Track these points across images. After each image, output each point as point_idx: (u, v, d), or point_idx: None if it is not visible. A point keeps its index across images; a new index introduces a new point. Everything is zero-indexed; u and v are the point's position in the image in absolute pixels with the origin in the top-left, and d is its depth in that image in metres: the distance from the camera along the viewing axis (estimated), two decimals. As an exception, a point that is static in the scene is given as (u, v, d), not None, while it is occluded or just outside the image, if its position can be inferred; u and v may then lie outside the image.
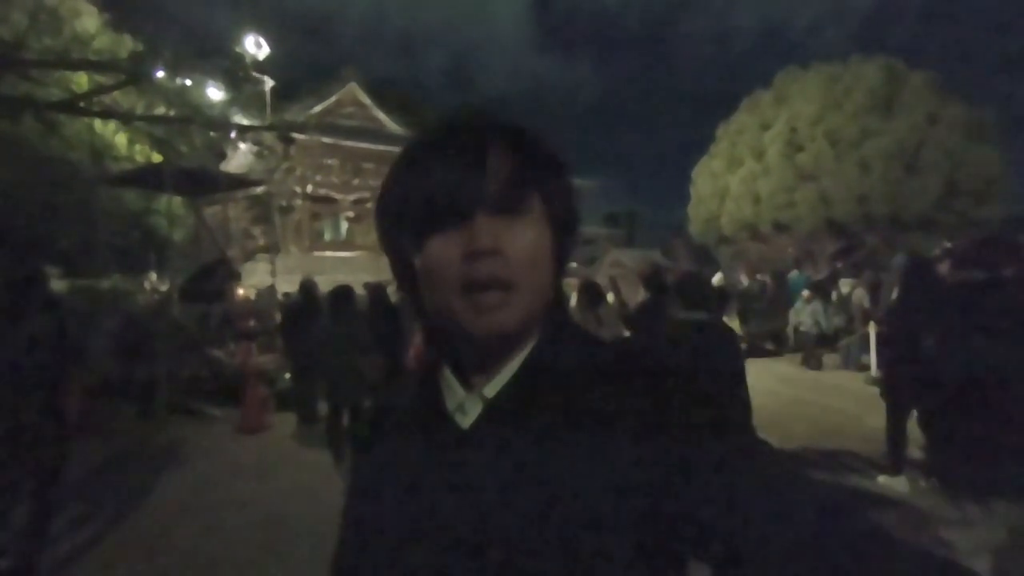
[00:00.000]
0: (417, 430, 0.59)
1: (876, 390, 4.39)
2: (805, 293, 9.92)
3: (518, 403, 0.54)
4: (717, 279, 10.96)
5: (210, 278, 8.30)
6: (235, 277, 9.42)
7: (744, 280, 12.04)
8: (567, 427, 0.51)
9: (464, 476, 0.53)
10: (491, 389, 0.56)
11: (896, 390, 3.98)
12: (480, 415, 0.55)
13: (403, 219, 0.56)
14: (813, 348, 9.41)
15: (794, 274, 11.59)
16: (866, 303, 8.84)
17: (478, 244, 0.51)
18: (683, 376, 0.53)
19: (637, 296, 6.06)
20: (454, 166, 0.52)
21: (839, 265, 13.31)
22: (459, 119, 0.57)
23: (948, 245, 4.07)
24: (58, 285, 8.17)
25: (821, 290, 10.34)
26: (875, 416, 4.65)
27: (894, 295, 4.18)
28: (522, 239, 0.52)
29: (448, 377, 0.59)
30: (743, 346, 10.24)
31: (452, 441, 0.55)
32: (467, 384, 0.58)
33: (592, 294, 5.04)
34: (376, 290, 6.30)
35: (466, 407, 0.56)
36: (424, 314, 0.58)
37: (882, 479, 3.97)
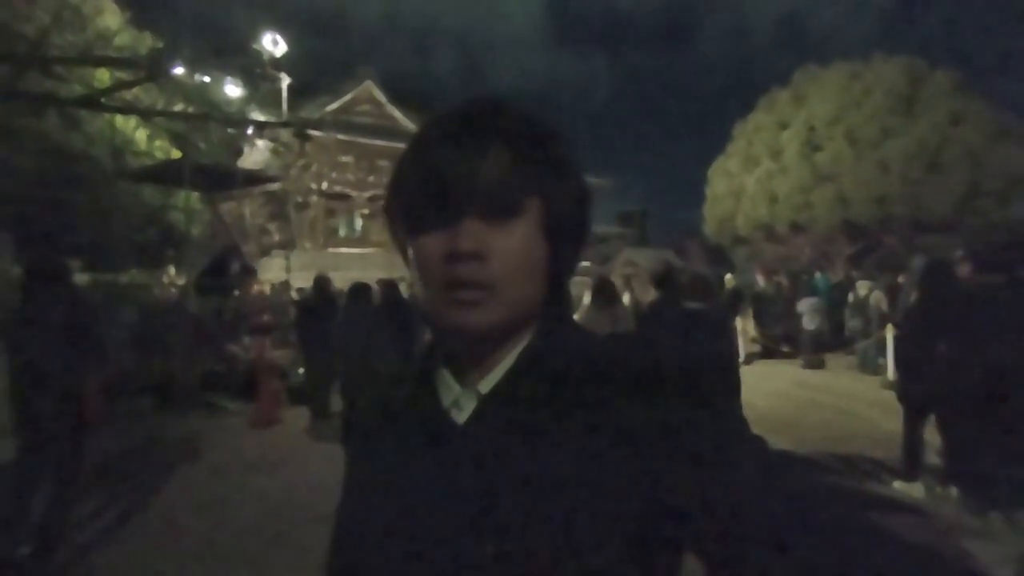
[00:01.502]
0: (413, 425, 0.59)
1: (892, 394, 4.32)
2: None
3: (512, 398, 0.54)
4: (727, 280, 10.89)
5: (222, 269, 8.40)
6: (252, 273, 9.53)
7: (761, 281, 11.91)
8: (561, 422, 0.51)
9: (459, 471, 0.53)
10: (485, 385, 0.56)
11: (913, 394, 3.92)
12: (475, 410, 0.55)
13: (400, 210, 0.56)
14: (811, 347, 9.40)
15: (817, 276, 11.44)
16: (883, 306, 8.72)
17: (460, 246, 0.50)
18: (677, 370, 0.52)
19: (649, 295, 6.02)
20: (449, 161, 0.52)
21: (852, 273, 13.09)
22: (464, 109, 0.56)
23: (960, 253, 4.01)
24: (78, 279, 8.32)
25: (839, 291, 10.23)
26: (891, 420, 4.59)
27: (912, 298, 4.11)
28: (510, 243, 0.52)
29: (443, 373, 0.59)
30: (756, 347, 10.22)
31: (447, 436, 0.55)
32: (462, 379, 0.58)
33: (607, 293, 4.99)
34: (389, 287, 6.34)
35: (461, 403, 0.56)
36: (421, 307, 0.59)
37: (898, 484, 3.91)
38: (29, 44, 7.65)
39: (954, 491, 3.66)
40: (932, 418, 3.85)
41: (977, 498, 3.42)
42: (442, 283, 0.52)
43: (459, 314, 0.52)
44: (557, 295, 0.59)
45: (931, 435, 3.90)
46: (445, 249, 0.51)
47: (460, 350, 0.58)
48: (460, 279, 0.51)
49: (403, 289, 6.44)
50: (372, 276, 6.76)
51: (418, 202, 0.53)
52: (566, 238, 0.57)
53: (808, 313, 9.55)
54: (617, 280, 6.70)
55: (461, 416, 0.56)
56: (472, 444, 0.54)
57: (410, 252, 0.55)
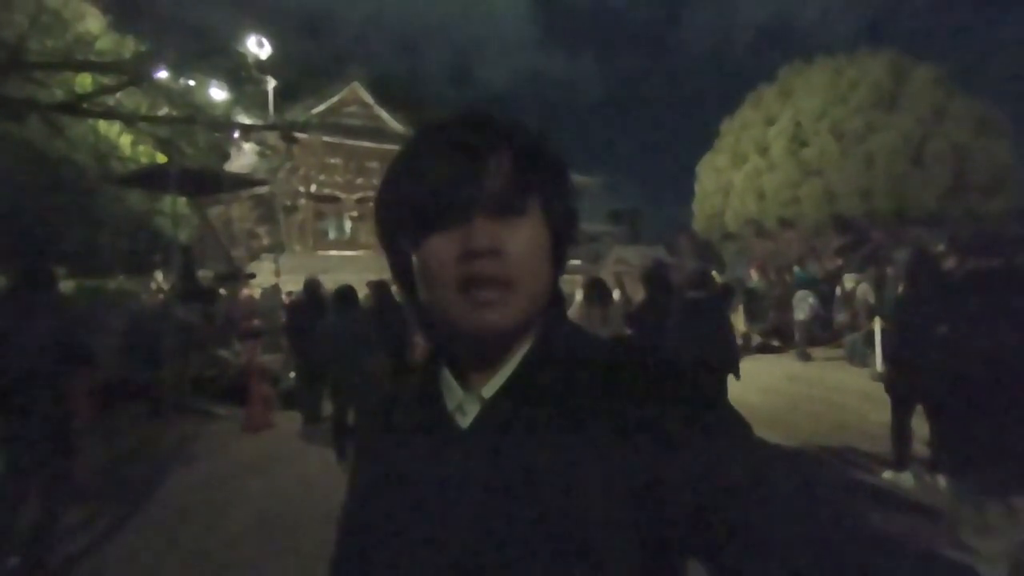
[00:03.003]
0: (418, 429, 0.59)
1: (881, 386, 4.37)
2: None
3: (516, 403, 0.54)
4: (715, 276, 10.99)
5: (191, 274, 8.35)
6: (247, 277, 9.47)
7: (755, 276, 11.98)
8: (565, 426, 0.51)
9: (463, 476, 0.53)
10: (489, 389, 0.56)
11: (900, 385, 3.96)
12: (478, 415, 0.56)
13: (402, 216, 0.56)
14: (805, 338, 9.52)
15: (796, 270, 11.54)
16: (871, 299, 8.81)
17: (476, 243, 0.51)
18: (679, 374, 0.53)
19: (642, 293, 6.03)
20: (454, 165, 0.52)
21: (839, 262, 13.21)
22: (461, 118, 0.57)
23: (941, 247, 4.08)
24: (65, 286, 8.21)
25: (827, 285, 10.34)
26: (880, 412, 4.63)
27: (899, 290, 4.16)
28: (520, 239, 0.53)
29: (446, 377, 0.59)
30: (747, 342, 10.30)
31: (451, 441, 0.56)
32: (465, 383, 0.58)
33: (599, 292, 4.96)
34: (380, 289, 6.31)
35: (465, 407, 0.57)
36: (422, 312, 0.59)
37: (887, 475, 3.96)
38: (8, 49, 7.53)
39: (942, 480, 3.70)
40: (920, 408, 3.90)
41: (963, 484, 3.47)
42: (458, 283, 0.52)
43: (478, 315, 0.52)
44: (554, 297, 0.60)
45: (920, 426, 3.95)
46: (460, 248, 0.52)
47: (463, 353, 0.58)
48: (478, 276, 0.51)
49: (394, 291, 6.42)
50: (362, 278, 6.72)
51: (424, 204, 0.53)
52: (562, 237, 0.58)
53: (799, 305, 9.66)
54: (609, 278, 6.70)
55: (465, 420, 0.56)
56: (476, 448, 0.54)
57: (415, 257, 0.55)
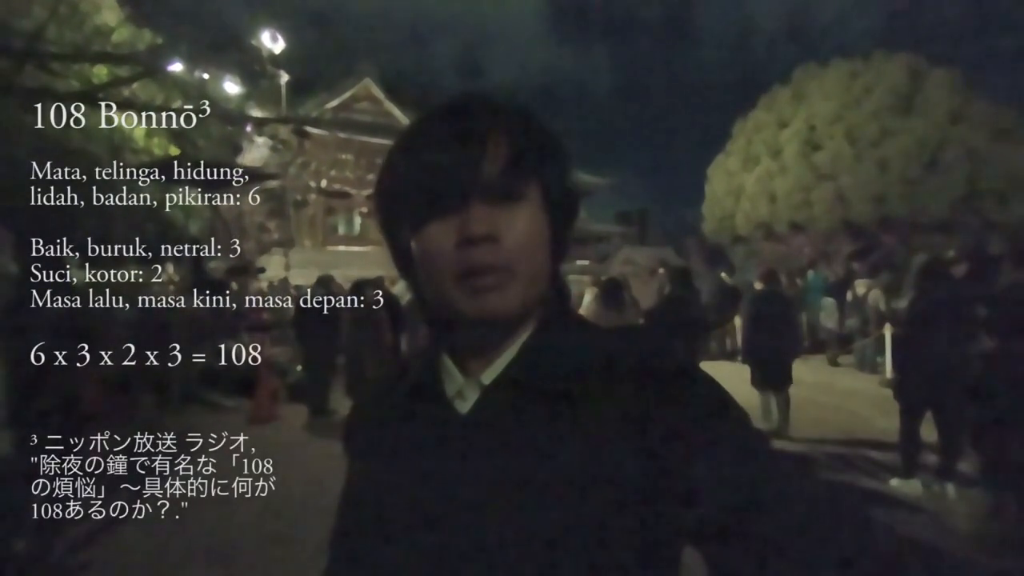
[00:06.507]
0: (417, 415, 0.59)
1: (890, 392, 4.34)
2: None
3: (515, 389, 0.54)
4: (723, 278, 10.93)
5: (200, 268, 8.44)
6: (256, 271, 9.54)
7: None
8: (564, 413, 0.51)
9: (462, 462, 0.53)
10: (488, 375, 0.56)
11: (909, 392, 3.93)
12: (477, 401, 0.56)
13: (400, 204, 0.56)
14: (834, 344, 9.53)
15: (810, 275, 11.45)
16: (882, 305, 8.73)
17: (474, 231, 0.51)
18: (679, 363, 0.53)
19: (649, 294, 6.02)
20: (451, 151, 0.52)
21: (855, 266, 13.06)
22: (457, 103, 0.56)
23: (951, 253, 4.05)
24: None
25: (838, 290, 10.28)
26: (889, 418, 4.60)
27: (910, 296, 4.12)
28: (518, 225, 0.52)
29: (447, 363, 0.60)
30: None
31: (451, 427, 0.56)
32: (465, 370, 0.58)
33: (614, 292, 4.93)
34: (384, 288, 6.36)
35: (465, 393, 0.57)
36: (422, 298, 0.59)
37: (895, 482, 3.93)
38: (26, 40, 7.62)
39: (951, 487, 3.67)
40: (928, 416, 3.87)
41: (971, 492, 3.44)
42: (456, 271, 0.52)
43: (476, 302, 0.52)
44: (556, 286, 0.60)
45: (928, 433, 3.91)
46: (458, 235, 0.51)
47: (463, 340, 0.58)
48: (476, 263, 0.51)
49: (399, 290, 6.45)
50: (372, 274, 6.79)
51: (423, 192, 0.53)
52: (562, 222, 0.58)
53: (827, 312, 9.65)
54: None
55: (464, 406, 0.56)
56: (475, 434, 0.54)
57: (414, 245, 0.55)
